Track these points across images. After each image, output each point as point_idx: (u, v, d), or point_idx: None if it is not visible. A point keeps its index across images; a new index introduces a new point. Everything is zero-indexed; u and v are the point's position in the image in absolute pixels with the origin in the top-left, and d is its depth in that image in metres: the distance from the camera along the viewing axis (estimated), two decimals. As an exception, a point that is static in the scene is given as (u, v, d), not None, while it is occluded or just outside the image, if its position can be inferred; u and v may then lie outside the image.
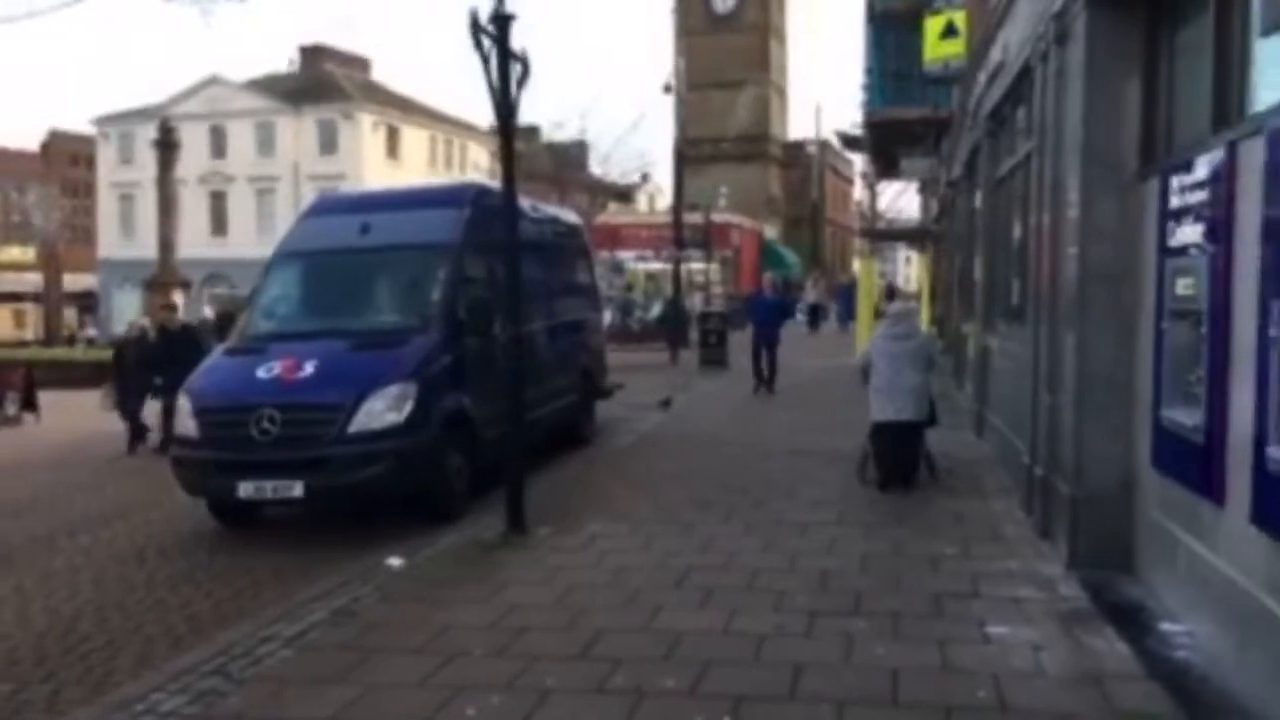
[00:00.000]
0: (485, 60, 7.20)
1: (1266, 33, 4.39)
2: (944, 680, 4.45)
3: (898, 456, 8.53)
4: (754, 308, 18.36)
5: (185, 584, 6.80)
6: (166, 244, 28.48)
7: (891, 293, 29.17)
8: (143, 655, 5.47)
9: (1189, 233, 4.88)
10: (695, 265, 35.80)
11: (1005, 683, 4.36)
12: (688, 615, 5.43)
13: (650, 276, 43.14)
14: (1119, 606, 5.33)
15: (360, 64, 54.32)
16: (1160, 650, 4.72)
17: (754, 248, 53.73)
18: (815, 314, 34.53)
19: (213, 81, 49.14)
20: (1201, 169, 4.73)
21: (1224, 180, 4.44)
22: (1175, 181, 5.07)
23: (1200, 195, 4.74)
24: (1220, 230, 4.47)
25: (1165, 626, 4.99)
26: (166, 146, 28.87)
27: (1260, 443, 3.90)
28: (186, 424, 8.04)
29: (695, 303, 32.48)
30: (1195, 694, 4.23)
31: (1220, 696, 4.18)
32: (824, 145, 56.33)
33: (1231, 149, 4.40)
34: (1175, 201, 5.07)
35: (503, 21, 7.17)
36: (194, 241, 42.23)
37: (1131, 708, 4.12)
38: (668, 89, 28.18)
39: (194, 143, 44.65)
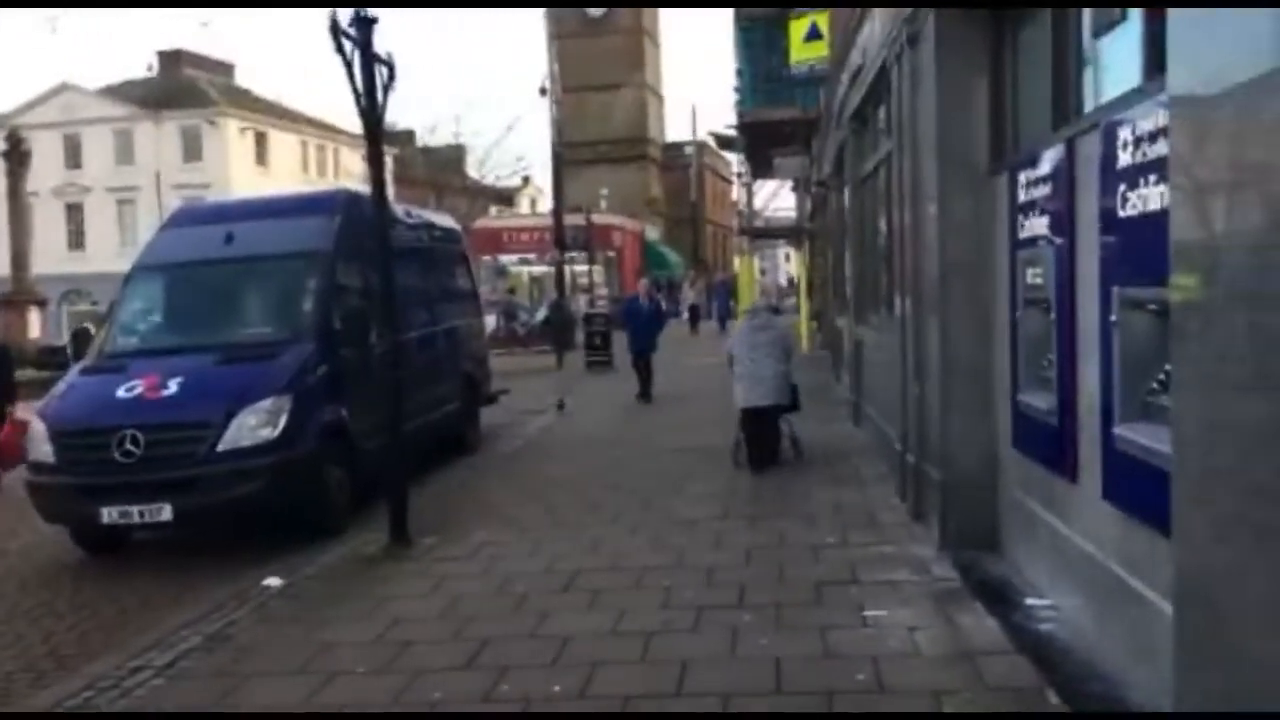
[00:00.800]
0: (349, 65, 7.05)
1: (1099, 34, 4.67)
2: (825, 666, 4.57)
3: (763, 438, 9.22)
4: (628, 316, 16.68)
5: (47, 617, 6.45)
6: (19, 259, 26.97)
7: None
8: (3, 692, 5.17)
9: (1036, 225, 5.14)
10: (579, 267, 35.84)
11: (883, 664, 4.51)
12: (576, 618, 5.44)
13: (534, 279, 42.98)
14: (987, 584, 5.57)
15: (223, 68, 52.40)
16: (1026, 624, 4.94)
17: (636, 248, 54.09)
18: (695, 315, 34.22)
19: (65, 88, 46.71)
20: (1044, 165, 4.99)
21: (1065, 175, 4.69)
22: (1022, 177, 5.32)
23: (1044, 190, 5.00)
24: (1063, 222, 4.72)
25: (1030, 601, 5.23)
26: (15, 157, 27.34)
27: (1107, 422, 4.13)
28: (42, 448, 7.62)
29: (580, 304, 32.51)
30: (1059, 664, 4.44)
31: (1083, 666, 4.39)
32: (701, 146, 57.10)
33: (1070, 145, 4.66)
34: (1023, 196, 5.33)
35: (365, 24, 7.04)
36: (50, 256, 40.09)
37: (1000, 681, 4.31)
38: (543, 91, 28.09)
39: (47, 152, 42.39)
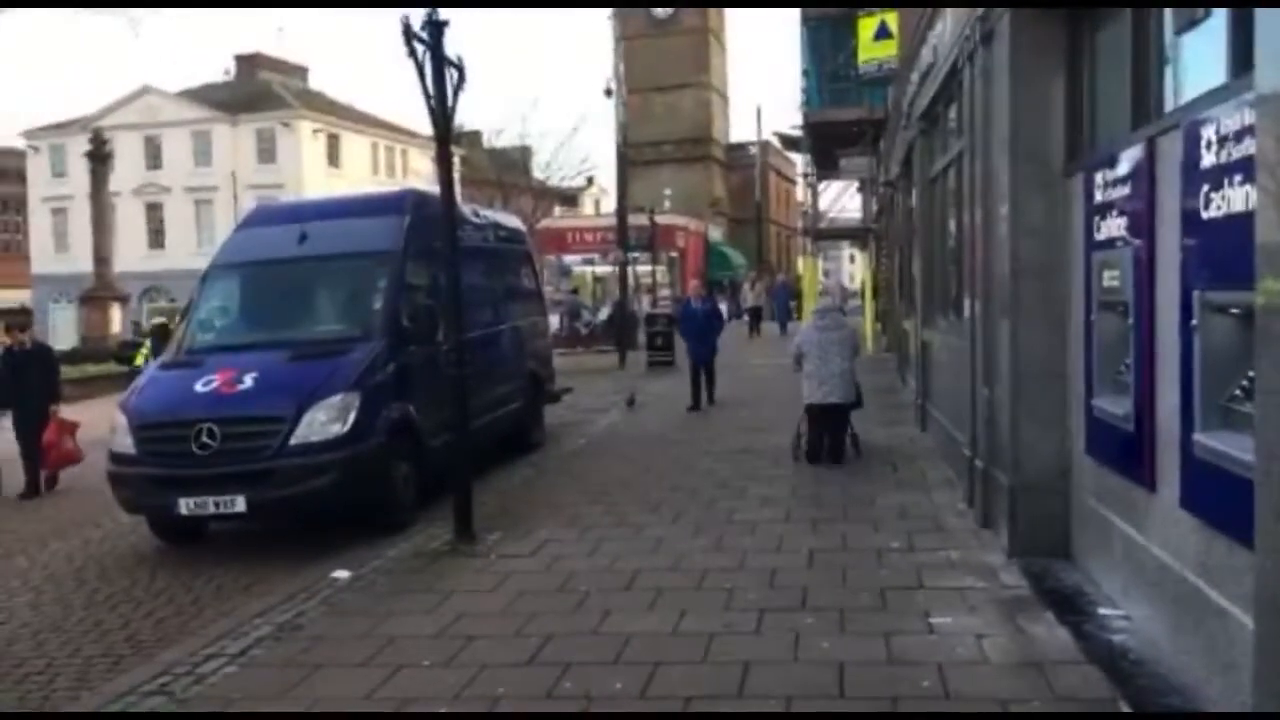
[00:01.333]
0: (420, 67, 7.16)
1: (1181, 32, 4.54)
2: (889, 672, 4.52)
3: (827, 435, 9.63)
4: (683, 319, 15.52)
5: (125, 603, 6.66)
6: (102, 257, 27.86)
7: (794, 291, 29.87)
8: (81, 677, 5.35)
9: (1113, 226, 5.02)
10: (641, 267, 35.90)
11: (949, 672, 4.44)
12: (637, 617, 5.45)
13: (597, 279, 43.16)
14: (1058, 592, 5.46)
15: (297, 71, 53.63)
16: (1098, 634, 4.83)
17: (699, 249, 54.00)
18: (755, 317, 32.08)
19: (146, 91, 48.14)
20: (1123, 165, 4.86)
21: (1144, 175, 4.57)
22: (1099, 177, 5.20)
23: (1123, 190, 4.88)
24: (1142, 224, 4.60)
25: (1103, 611, 5.11)
26: (99, 158, 28.26)
27: (1186, 429, 4.01)
28: (124, 440, 7.86)
29: (642, 304, 32.55)
30: (1132, 676, 4.34)
31: (1156, 678, 4.29)
32: (765, 146, 56.81)
33: (1150, 145, 4.53)
34: (1100, 197, 5.20)
35: (436, 28, 7.14)
36: (131, 254, 41.39)
37: (1071, 692, 4.22)
38: (608, 93, 28.22)
39: (128, 154, 43.74)
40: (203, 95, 49.19)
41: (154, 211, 48.50)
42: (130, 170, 44.52)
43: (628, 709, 4.29)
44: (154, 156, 48.08)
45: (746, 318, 32.84)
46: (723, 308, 27.58)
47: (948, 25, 8.65)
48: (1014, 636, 4.85)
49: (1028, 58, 6.11)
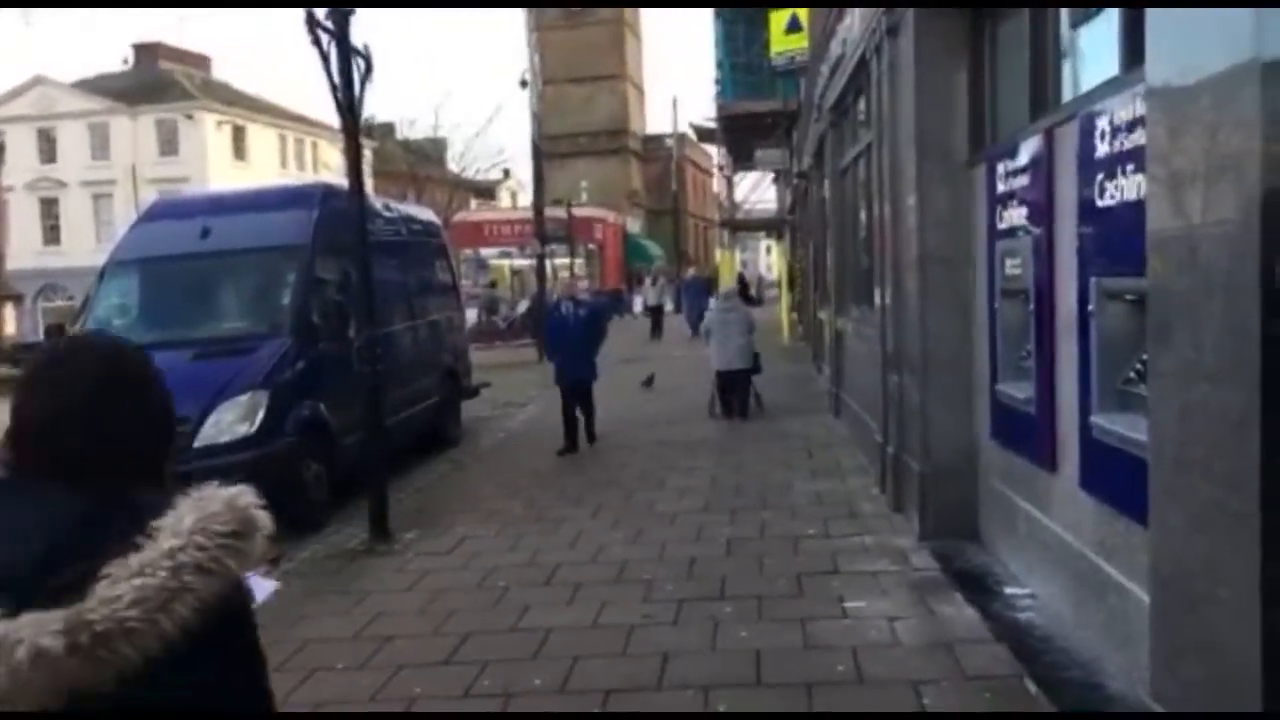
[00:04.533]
0: (325, 57, 6.99)
1: (1076, 25, 4.68)
2: (806, 658, 4.58)
3: (733, 394, 11.96)
4: (551, 330, 11.20)
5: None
6: (-8, 255, 26.69)
7: (743, 283, 29.09)
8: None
9: (1015, 216, 5.15)
10: (560, 260, 35.76)
11: (863, 655, 4.52)
12: (556, 612, 5.42)
13: (515, 272, 42.88)
14: (967, 574, 5.59)
15: (201, 61, 51.84)
16: (1006, 613, 4.96)
17: (617, 241, 54.07)
18: (657, 316, 27.95)
19: (39, 82, 46.13)
20: (1023, 155, 4.99)
21: (1043, 165, 4.70)
22: (1001, 168, 5.33)
23: (1023, 180, 5.01)
24: (1042, 213, 4.73)
25: (1009, 590, 5.25)
26: (-12, 151, 27.03)
27: (1084, 412, 4.14)
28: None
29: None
30: (1039, 653, 4.46)
31: (1062, 654, 4.42)
32: (681, 138, 57.03)
33: (1049, 135, 4.66)
34: (1002, 187, 5.34)
35: (341, 17, 6.98)
36: (24, 251, 39.69)
37: (980, 670, 4.32)
38: (523, 84, 28.01)
39: (20, 146, 41.93)
40: (100, 86, 47.28)
41: (49, 206, 46.52)
42: (24, 164, 42.69)
43: (547, 706, 4.26)
44: (48, 149, 46.11)
45: (645, 313, 29.22)
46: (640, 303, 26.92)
47: (856, 19, 8.78)
48: (925, 618, 4.95)
49: (931, 51, 6.23)
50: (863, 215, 9.72)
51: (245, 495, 1.40)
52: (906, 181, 6.65)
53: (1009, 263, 5.27)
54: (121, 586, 1.21)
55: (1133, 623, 3.64)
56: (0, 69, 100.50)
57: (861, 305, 9.98)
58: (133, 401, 1.47)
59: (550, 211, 29.99)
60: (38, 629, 1.17)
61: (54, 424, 1.37)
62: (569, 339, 10.60)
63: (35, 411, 1.38)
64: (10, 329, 26.99)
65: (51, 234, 46.12)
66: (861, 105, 9.36)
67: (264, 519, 1.39)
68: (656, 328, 27.23)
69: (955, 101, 6.20)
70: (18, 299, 28.54)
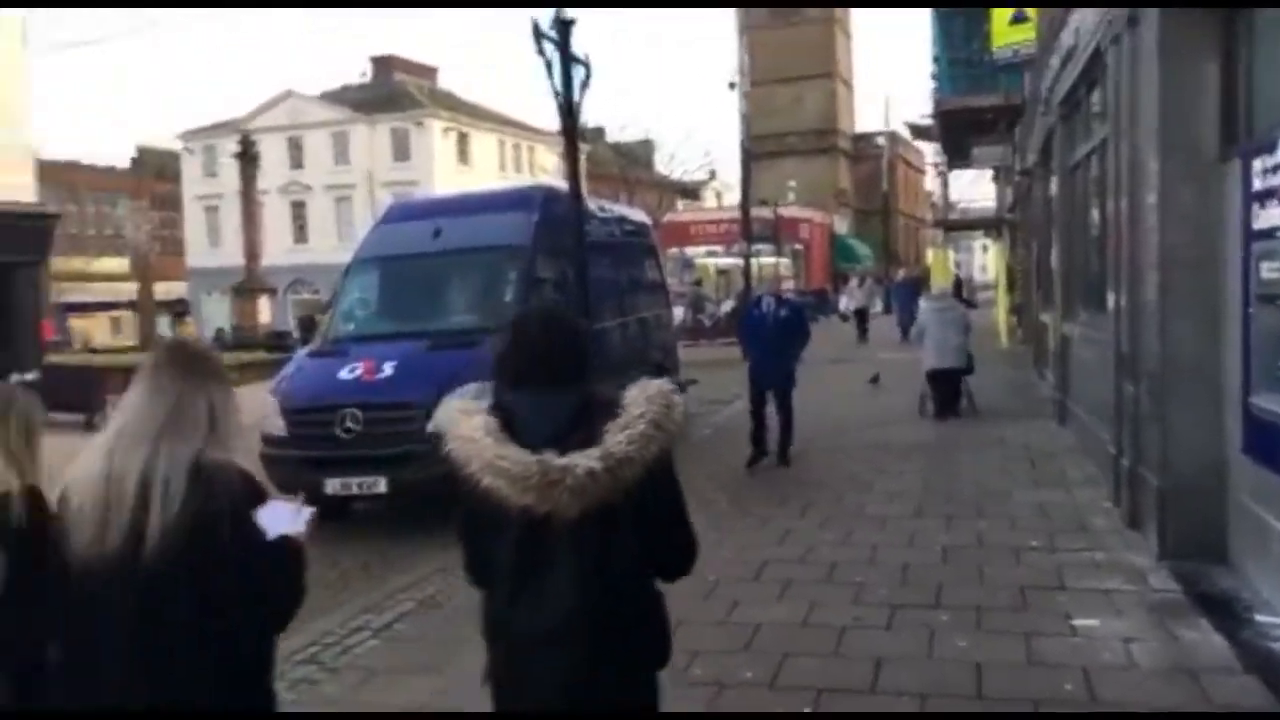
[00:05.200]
0: (548, 65, 7.32)
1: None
2: (1029, 674, 4.40)
3: (946, 394, 11.91)
4: (749, 328, 10.19)
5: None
6: (251, 252, 29.42)
7: (958, 284, 27.54)
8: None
9: (1275, 215, 4.75)
10: (765, 260, 35.67)
11: (1095, 676, 4.29)
12: (766, 608, 5.45)
13: (721, 272, 43.12)
14: (1213, 597, 5.20)
15: (429, 72, 55.17)
16: (1257, 642, 4.60)
17: (824, 241, 53.35)
18: (862, 320, 26.74)
19: (289, 95, 50.36)
20: (1288, 148, 4.60)
21: (1313, 158, 4.31)
22: (1258, 163, 4.93)
23: (1288, 175, 4.61)
24: (1310, 210, 4.35)
25: (1262, 618, 4.85)
26: (247, 158, 29.79)
27: (1357, 427, 3.78)
28: (275, 423, 8.30)
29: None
30: (1293, 686, 4.12)
31: (1319, 689, 4.06)
32: (893, 137, 55.64)
33: (1320, 126, 4.28)
34: (1259, 184, 4.93)
35: (563, 26, 7.28)
36: (277, 249, 43.36)
37: (1228, 702, 4.03)
38: (732, 85, 28.13)
39: (273, 154, 45.82)
40: (341, 97, 51.15)
41: (298, 208, 50.69)
42: (276, 169, 46.61)
43: (757, 699, 4.30)
44: (297, 156, 50.23)
45: (853, 319, 27.77)
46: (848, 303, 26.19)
47: (1090, 8, 8.31)
48: (1165, 642, 4.65)
49: (1178, 39, 5.82)
50: (1095, 214, 9.19)
51: (666, 384, 2.35)
52: (1147, 178, 6.24)
53: (1266, 266, 4.86)
54: (620, 435, 2.16)
55: None
56: (257, 82, 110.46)
57: (1091, 309, 9.44)
58: (579, 338, 2.45)
59: (756, 211, 29.99)
60: (586, 459, 2.11)
61: (549, 353, 2.33)
62: (767, 337, 9.66)
63: (535, 346, 2.34)
64: (265, 318, 29.68)
65: (300, 233, 50.23)
66: (1096, 98, 8.85)
67: (679, 397, 2.33)
68: (863, 331, 26.03)
69: (1204, 92, 5.77)
70: (271, 292, 31.28)
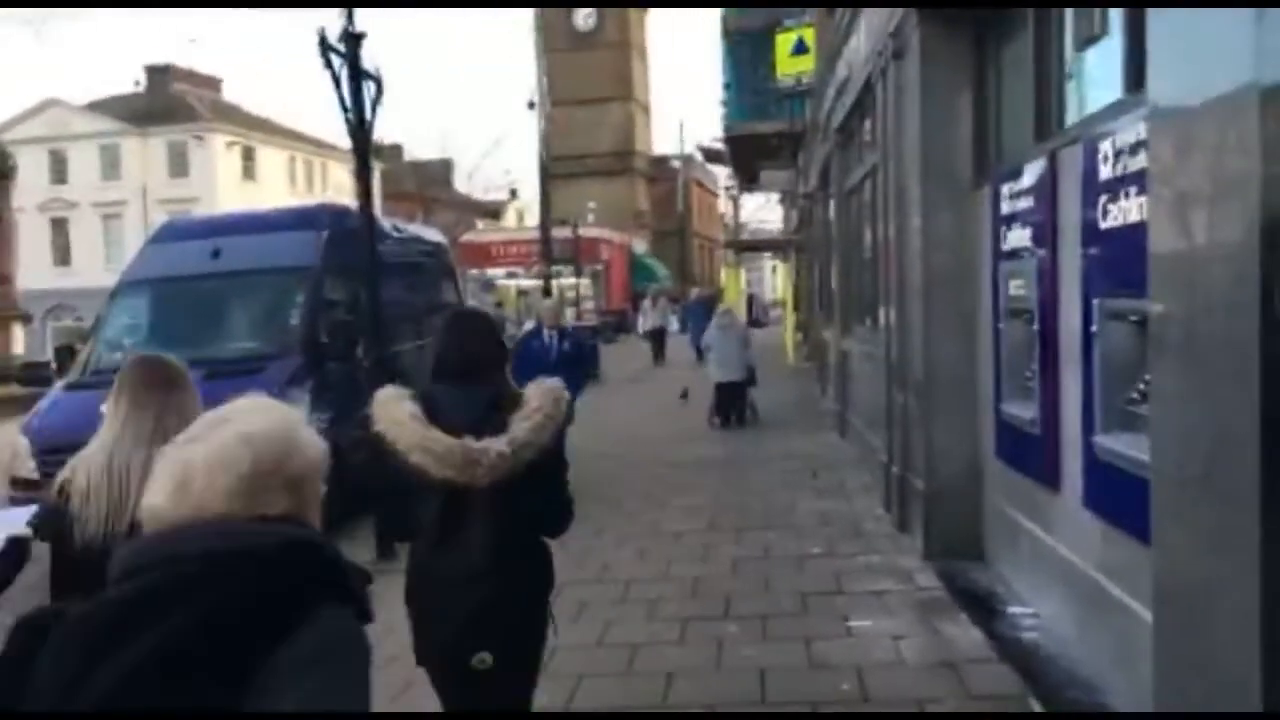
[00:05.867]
0: (336, 80, 7.09)
1: (1079, 48, 4.73)
2: (810, 677, 4.58)
3: (731, 404, 12.95)
4: (527, 361, 8.41)
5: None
6: (4, 275, 26.77)
7: (751, 304, 28.65)
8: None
9: (1019, 237, 5.19)
10: (566, 280, 35.84)
11: (868, 674, 4.53)
12: (561, 629, 5.41)
13: (521, 293, 42.99)
14: (972, 593, 5.60)
15: (211, 83, 52.28)
16: (1010, 633, 4.97)
17: (624, 261, 54.16)
18: (658, 341, 25.59)
19: (51, 104, 46.56)
20: (1027, 177, 5.04)
21: (1047, 187, 4.74)
22: (1005, 189, 5.38)
23: (1027, 202, 5.05)
24: (1045, 234, 4.77)
25: (1014, 610, 5.26)
26: (2, 172, 27.22)
27: (1088, 431, 4.17)
28: (25, 465, 7.57)
29: (566, 318, 32.34)
30: (1043, 673, 4.47)
31: (1066, 674, 4.42)
32: (688, 159, 57.30)
33: (1052, 158, 4.71)
34: (1006, 208, 5.38)
35: (353, 40, 7.07)
36: (34, 272, 39.86)
37: (985, 690, 4.33)
38: (531, 105, 28.16)
39: (32, 167, 42.19)
40: (111, 107, 47.71)
41: (59, 227, 46.85)
42: (34, 184, 42.98)
43: (552, 723, 4.27)
44: (60, 170, 46.49)
45: (645, 337, 26.42)
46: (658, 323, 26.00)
47: (862, 41, 8.86)
48: (929, 637, 4.96)
49: (937, 74, 6.29)
50: (868, 236, 9.77)
51: (557, 383, 2.89)
52: (911, 202, 6.69)
53: (1013, 283, 5.31)
54: (524, 424, 2.72)
55: (1137, 642, 3.64)
56: (12, 91, 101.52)
57: (866, 325, 10.02)
58: (495, 337, 3.09)
59: (557, 232, 30.09)
60: (498, 443, 2.66)
61: (469, 352, 2.95)
62: (547, 373, 8.12)
63: (459, 347, 2.99)
64: (19, 348, 27.04)
65: (61, 254, 46.40)
66: (867, 127, 9.42)
67: (565, 395, 2.88)
68: (659, 353, 25.27)
69: (960, 124, 6.26)
70: (26, 319, 28.59)
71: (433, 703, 3.08)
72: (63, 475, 2.69)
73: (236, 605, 1.24)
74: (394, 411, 2.78)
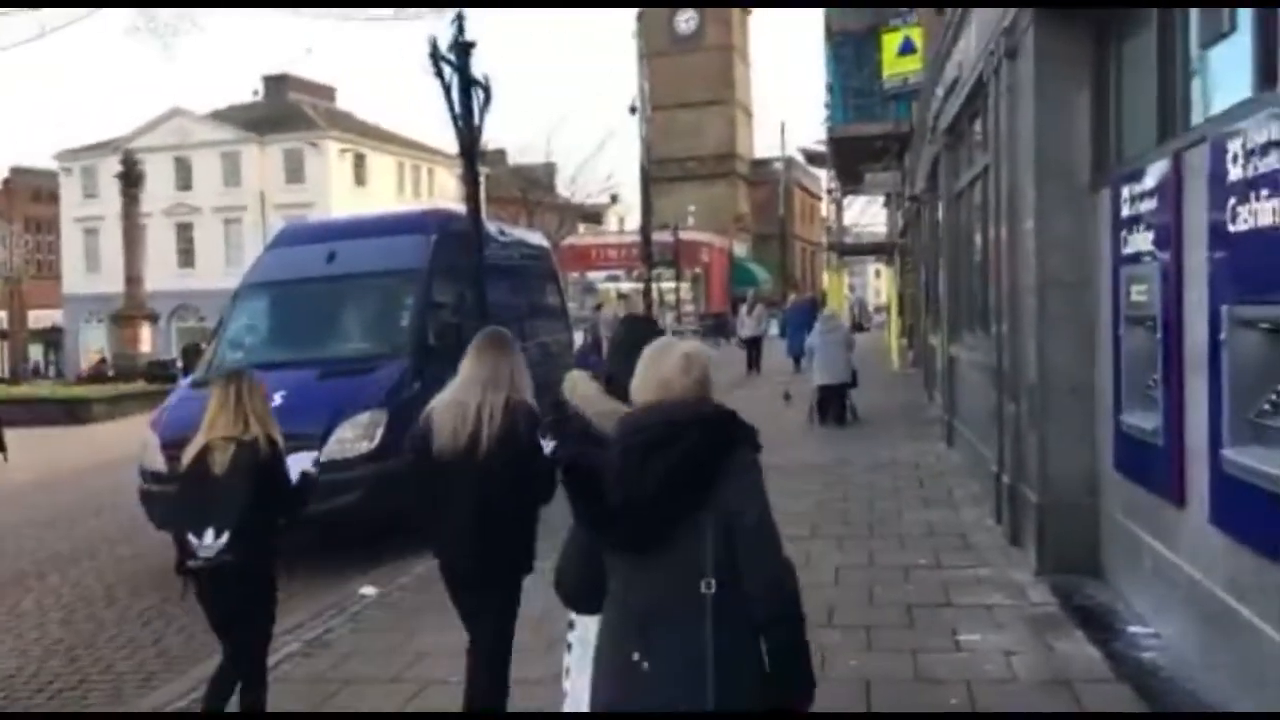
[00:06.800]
0: (447, 88, 7.27)
1: (1205, 45, 4.53)
2: (916, 689, 4.50)
3: (833, 405, 13.40)
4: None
5: (157, 620, 6.73)
6: (133, 277, 28.21)
7: (855, 308, 27.99)
8: (115, 692, 5.42)
9: (1141, 241, 5.00)
10: (666, 284, 35.98)
11: (977, 689, 4.42)
12: None
13: (622, 296, 43.28)
14: (1088, 610, 5.41)
15: (325, 92, 54.16)
16: (1129, 652, 4.79)
17: (723, 265, 54.10)
18: (754, 350, 23.66)
19: (176, 113, 48.83)
20: (1150, 179, 4.85)
21: (1171, 189, 4.56)
22: (1126, 191, 5.19)
23: (1150, 204, 4.87)
24: (1170, 238, 4.59)
25: (1133, 629, 5.06)
26: (130, 179, 28.66)
27: (1215, 444, 3.99)
28: (154, 458, 7.96)
29: (667, 321, 32.50)
30: (1163, 695, 4.30)
31: (1187, 696, 4.25)
32: (790, 162, 56.85)
33: (1177, 159, 4.53)
34: (1127, 211, 5.19)
35: (463, 49, 7.25)
36: (161, 274, 41.87)
37: (1101, 709, 4.18)
38: (633, 110, 28.36)
39: (158, 175, 44.32)
40: (231, 116, 49.82)
41: (184, 231, 49.06)
42: (161, 191, 45.12)
43: None
44: (184, 177, 48.68)
45: (744, 349, 24.48)
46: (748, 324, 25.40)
47: (972, 40, 8.66)
48: (1043, 654, 4.81)
49: (1053, 73, 6.11)
50: (978, 239, 9.54)
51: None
52: (1025, 204, 6.51)
53: (1134, 289, 5.11)
54: None
55: (1266, 665, 3.48)
56: (142, 100, 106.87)
57: (976, 331, 9.78)
58: (656, 330, 3.74)
59: (657, 236, 30.25)
60: None
61: (636, 340, 2.96)
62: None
63: (630, 338, 3.38)
64: (146, 347, 28.43)
65: (185, 257, 48.58)
66: (978, 128, 9.21)
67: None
68: (753, 361, 23.25)
69: (1077, 124, 6.06)
70: (154, 319, 30.03)
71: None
72: (426, 409, 3.95)
73: (705, 441, 2.37)
74: (583, 388, 3.41)
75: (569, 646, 3.28)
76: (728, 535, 2.32)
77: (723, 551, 2.31)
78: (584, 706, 2.68)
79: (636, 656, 2.30)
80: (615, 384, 3.20)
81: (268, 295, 9.53)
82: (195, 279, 45.43)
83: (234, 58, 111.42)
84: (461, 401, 3.78)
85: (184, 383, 9.39)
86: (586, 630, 2.89)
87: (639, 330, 3.57)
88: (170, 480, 7.82)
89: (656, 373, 2.48)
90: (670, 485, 2.30)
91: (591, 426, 3.14)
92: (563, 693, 3.30)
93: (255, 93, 52.91)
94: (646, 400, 2.47)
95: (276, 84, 51.94)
